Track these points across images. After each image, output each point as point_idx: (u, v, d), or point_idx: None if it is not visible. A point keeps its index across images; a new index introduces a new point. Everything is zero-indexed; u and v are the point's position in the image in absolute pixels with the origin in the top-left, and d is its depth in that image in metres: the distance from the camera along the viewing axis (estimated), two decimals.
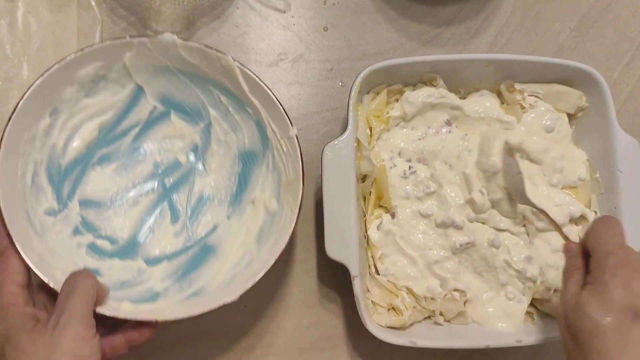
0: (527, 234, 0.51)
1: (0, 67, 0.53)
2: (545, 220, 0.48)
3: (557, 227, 0.47)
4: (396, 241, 0.50)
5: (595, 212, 0.52)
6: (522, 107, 0.53)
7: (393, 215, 0.51)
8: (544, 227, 0.50)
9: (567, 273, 0.41)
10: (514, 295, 0.50)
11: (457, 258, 0.51)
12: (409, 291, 0.49)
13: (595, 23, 0.58)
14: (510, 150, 0.50)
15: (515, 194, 0.49)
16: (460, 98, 0.53)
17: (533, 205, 0.48)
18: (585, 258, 0.41)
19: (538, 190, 0.51)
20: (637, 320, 0.35)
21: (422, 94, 0.51)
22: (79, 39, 0.55)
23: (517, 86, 0.53)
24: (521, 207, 0.50)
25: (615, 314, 0.35)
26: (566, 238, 0.45)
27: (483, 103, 0.53)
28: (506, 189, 0.50)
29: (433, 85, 0.52)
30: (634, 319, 0.35)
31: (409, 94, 0.52)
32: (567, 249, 0.43)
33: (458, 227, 0.50)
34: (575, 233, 0.51)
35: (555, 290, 0.51)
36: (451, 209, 0.50)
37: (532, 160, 0.52)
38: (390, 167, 0.51)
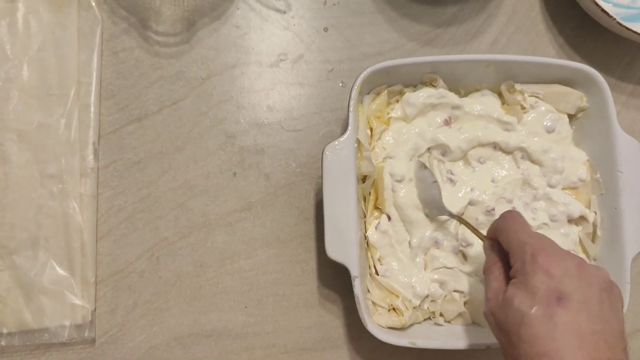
0: None
1: (0, 67, 0.53)
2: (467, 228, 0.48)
3: (476, 232, 0.46)
4: (392, 243, 0.50)
5: (595, 213, 0.51)
6: (523, 108, 0.53)
7: (389, 217, 0.51)
8: (555, 216, 0.51)
9: (486, 270, 0.42)
10: None
11: (456, 259, 0.51)
12: (404, 298, 0.49)
13: (595, 23, 0.58)
14: (422, 164, 0.50)
15: (431, 206, 0.49)
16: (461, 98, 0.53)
17: (450, 215, 0.48)
18: (501, 253, 0.41)
19: (458, 196, 0.51)
20: (561, 304, 0.35)
21: (422, 95, 0.51)
22: (79, 39, 0.55)
23: (518, 87, 0.52)
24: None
25: (540, 301, 0.35)
26: (485, 239, 0.45)
27: (484, 102, 0.53)
28: (422, 204, 0.50)
29: (433, 86, 0.52)
30: (558, 303, 0.35)
31: (409, 95, 0.52)
32: (484, 247, 0.43)
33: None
34: (576, 233, 0.51)
35: None
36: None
37: (532, 162, 0.52)
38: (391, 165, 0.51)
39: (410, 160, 0.51)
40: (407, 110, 0.51)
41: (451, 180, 0.51)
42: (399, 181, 0.50)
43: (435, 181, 0.49)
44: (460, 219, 0.48)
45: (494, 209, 0.50)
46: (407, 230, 0.51)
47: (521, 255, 0.38)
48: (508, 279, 0.40)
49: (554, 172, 0.52)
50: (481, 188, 0.51)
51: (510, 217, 0.42)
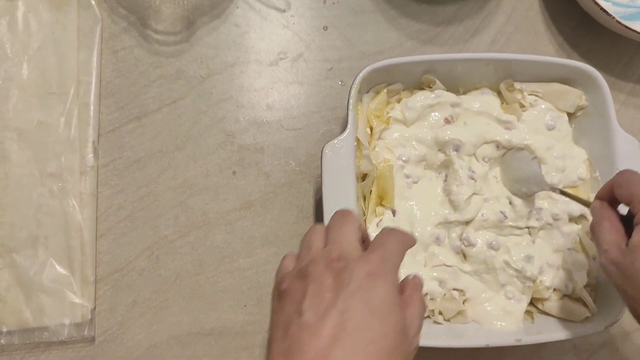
0: (530, 234, 0.51)
1: (0, 66, 0.53)
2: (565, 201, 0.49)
3: (582, 201, 0.47)
4: None
5: None
6: (522, 106, 0.53)
7: (394, 213, 0.51)
8: (557, 215, 0.51)
9: (595, 226, 0.41)
10: (513, 295, 0.50)
11: (456, 258, 0.51)
12: None
13: (595, 22, 0.58)
14: (518, 147, 0.51)
15: (531, 182, 0.50)
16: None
17: (552, 188, 0.49)
18: (611, 210, 0.41)
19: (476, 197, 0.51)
20: None
21: (420, 98, 0.51)
22: (78, 38, 0.55)
23: (517, 85, 0.53)
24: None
25: None
26: (590, 203, 0.45)
27: (483, 100, 0.53)
28: (516, 185, 0.50)
29: (430, 88, 0.52)
30: None
31: (407, 100, 0.52)
32: (592, 208, 0.43)
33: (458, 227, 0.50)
34: (576, 233, 0.51)
35: (554, 290, 0.51)
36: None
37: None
38: (402, 166, 0.51)
39: (421, 162, 0.52)
40: (407, 114, 0.51)
41: (473, 179, 0.51)
42: (416, 182, 0.51)
43: (535, 157, 0.50)
44: (561, 190, 0.49)
45: (504, 213, 0.51)
46: (410, 225, 0.50)
47: None
48: (625, 230, 0.40)
49: (556, 171, 0.52)
50: (489, 188, 0.52)
51: (630, 171, 0.41)
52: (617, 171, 0.49)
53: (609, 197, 0.42)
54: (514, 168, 0.51)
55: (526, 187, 0.50)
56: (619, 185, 0.41)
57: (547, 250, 0.51)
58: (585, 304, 0.50)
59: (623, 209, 0.41)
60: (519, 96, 0.52)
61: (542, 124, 0.52)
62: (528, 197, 0.51)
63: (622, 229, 0.40)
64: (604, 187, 0.43)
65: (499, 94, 0.54)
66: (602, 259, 0.40)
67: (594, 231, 0.42)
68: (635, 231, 0.38)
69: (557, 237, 0.51)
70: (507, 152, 0.51)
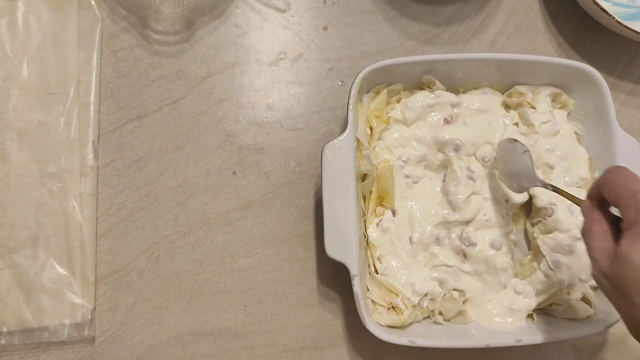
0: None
1: (0, 66, 0.53)
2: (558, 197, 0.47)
3: (575, 199, 0.43)
4: (393, 241, 0.50)
5: None
6: (522, 106, 0.53)
7: (394, 213, 0.51)
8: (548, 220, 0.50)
9: (585, 231, 0.38)
10: (522, 290, 0.50)
11: (457, 258, 0.51)
12: (403, 296, 0.49)
13: (595, 22, 0.58)
14: (512, 138, 0.49)
15: (522, 177, 0.48)
16: None
17: (544, 184, 0.46)
18: (601, 211, 0.38)
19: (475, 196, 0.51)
20: None
21: (420, 98, 0.51)
22: (78, 38, 0.55)
23: (519, 88, 0.53)
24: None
25: None
26: (582, 201, 0.42)
27: (484, 99, 0.53)
28: (508, 180, 0.49)
29: (430, 89, 0.52)
30: None
31: (407, 100, 0.52)
32: (582, 208, 0.40)
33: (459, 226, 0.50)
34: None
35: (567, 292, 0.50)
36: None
37: (546, 164, 0.52)
38: (401, 166, 0.51)
39: (421, 162, 0.52)
40: (407, 114, 0.51)
41: (471, 179, 0.51)
42: (416, 182, 0.51)
43: (527, 150, 0.48)
44: (554, 187, 0.46)
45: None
46: (410, 225, 0.51)
47: (634, 204, 0.34)
48: (614, 236, 0.36)
49: (562, 171, 0.52)
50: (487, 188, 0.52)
51: (617, 169, 0.38)
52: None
53: (600, 195, 0.38)
54: (506, 161, 0.50)
55: (517, 183, 0.49)
56: (605, 185, 0.37)
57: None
58: (588, 302, 0.50)
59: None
60: (521, 98, 0.52)
61: (544, 125, 0.52)
62: (521, 193, 0.50)
63: (612, 235, 0.37)
64: (594, 185, 0.39)
65: (501, 92, 0.54)
66: (593, 270, 0.37)
67: (584, 237, 0.39)
68: (623, 238, 0.35)
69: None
70: (501, 142, 0.50)
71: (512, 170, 0.49)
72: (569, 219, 0.50)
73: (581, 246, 0.49)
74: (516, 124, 0.53)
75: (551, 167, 0.52)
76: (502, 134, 0.51)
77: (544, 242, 0.51)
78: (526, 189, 0.49)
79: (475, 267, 0.50)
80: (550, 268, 0.50)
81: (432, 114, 0.52)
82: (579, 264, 0.49)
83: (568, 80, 0.53)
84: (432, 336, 0.48)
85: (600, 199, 0.39)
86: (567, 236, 0.49)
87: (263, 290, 0.53)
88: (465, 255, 0.51)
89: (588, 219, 0.39)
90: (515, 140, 0.49)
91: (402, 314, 0.48)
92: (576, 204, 0.42)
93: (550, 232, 0.51)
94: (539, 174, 0.51)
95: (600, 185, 0.38)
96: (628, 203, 0.35)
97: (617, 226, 0.37)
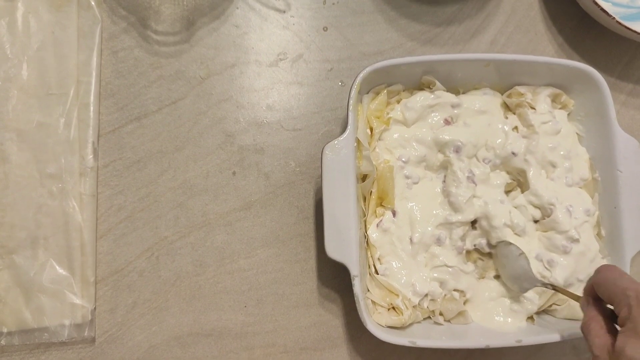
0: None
1: (0, 67, 0.53)
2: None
3: (570, 294, 0.46)
4: (393, 241, 0.50)
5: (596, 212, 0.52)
6: (522, 106, 0.53)
7: (394, 214, 0.51)
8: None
9: (584, 328, 0.40)
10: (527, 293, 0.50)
11: (458, 259, 0.51)
12: (404, 297, 0.49)
13: (595, 22, 0.58)
14: (506, 241, 0.50)
15: (522, 279, 0.49)
16: None
17: (543, 284, 0.48)
18: (598, 309, 0.40)
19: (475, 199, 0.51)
20: None
21: (420, 99, 0.51)
22: (78, 38, 0.55)
23: (519, 89, 0.53)
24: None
25: None
26: (580, 298, 0.44)
27: (484, 100, 0.53)
28: (508, 282, 0.50)
29: (430, 89, 0.52)
30: None
31: (407, 100, 0.52)
32: (580, 305, 0.42)
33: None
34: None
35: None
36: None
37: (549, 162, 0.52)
38: (402, 167, 0.51)
39: (421, 163, 0.52)
40: (407, 115, 0.51)
41: (472, 182, 0.51)
42: (416, 183, 0.51)
43: (522, 253, 0.49)
44: (554, 286, 0.48)
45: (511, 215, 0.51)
46: (410, 226, 0.51)
47: (626, 301, 0.36)
48: (611, 332, 0.38)
49: (564, 171, 0.52)
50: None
51: (607, 269, 0.40)
52: (618, 171, 0.50)
53: (595, 293, 0.41)
54: (504, 265, 0.50)
55: (518, 285, 0.49)
56: (597, 285, 0.40)
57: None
58: None
59: None
60: (521, 99, 0.52)
61: (545, 125, 0.52)
62: (523, 294, 0.50)
63: (610, 330, 0.38)
64: (588, 283, 0.41)
65: (501, 93, 0.54)
66: None
67: (583, 333, 0.40)
68: (619, 335, 0.36)
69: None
70: (498, 245, 0.50)
71: (511, 273, 0.50)
72: (567, 220, 0.50)
73: (577, 248, 0.50)
74: (515, 128, 0.53)
75: (554, 166, 0.51)
76: (503, 141, 0.51)
77: (539, 240, 0.51)
78: (527, 290, 0.49)
79: (475, 266, 0.50)
80: (545, 267, 0.50)
81: (433, 114, 0.52)
82: (574, 265, 0.50)
83: (568, 81, 0.53)
84: (432, 337, 0.48)
85: (595, 296, 0.41)
86: (563, 237, 0.50)
87: (263, 290, 0.53)
88: (467, 256, 0.51)
89: (586, 316, 0.41)
90: (510, 243, 0.50)
91: (402, 314, 0.48)
92: (575, 300, 0.44)
93: (546, 231, 0.51)
94: (542, 174, 0.51)
95: (593, 285, 0.40)
96: (620, 301, 0.37)
97: (614, 320, 0.39)
